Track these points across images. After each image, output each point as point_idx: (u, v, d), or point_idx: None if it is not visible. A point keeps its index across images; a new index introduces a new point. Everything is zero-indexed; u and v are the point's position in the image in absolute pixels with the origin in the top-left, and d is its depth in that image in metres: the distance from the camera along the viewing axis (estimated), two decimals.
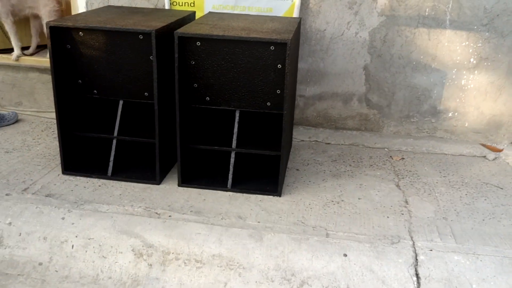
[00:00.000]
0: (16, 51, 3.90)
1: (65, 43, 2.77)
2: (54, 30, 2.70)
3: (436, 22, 3.35)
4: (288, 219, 2.61)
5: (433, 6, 3.32)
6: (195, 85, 2.79)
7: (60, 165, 3.03)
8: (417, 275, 2.29)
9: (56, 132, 3.59)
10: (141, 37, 2.68)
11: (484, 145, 3.59)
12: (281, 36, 2.61)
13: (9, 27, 3.86)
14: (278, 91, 2.74)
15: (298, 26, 2.99)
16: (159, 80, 2.74)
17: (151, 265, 2.36)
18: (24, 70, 3.87)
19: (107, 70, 2.83)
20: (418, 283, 2.26)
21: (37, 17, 4.01)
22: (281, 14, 3.44)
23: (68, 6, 4.36)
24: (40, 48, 4.29)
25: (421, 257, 2.36)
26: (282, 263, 2.33)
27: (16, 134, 3.52)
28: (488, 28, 3.34)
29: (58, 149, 3.28)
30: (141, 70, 2.79)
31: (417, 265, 2.33)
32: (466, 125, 3.60)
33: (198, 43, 2.65)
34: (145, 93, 2.87)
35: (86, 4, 3.61)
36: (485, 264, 2.34)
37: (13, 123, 3.67)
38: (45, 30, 3.96)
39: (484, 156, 3.49)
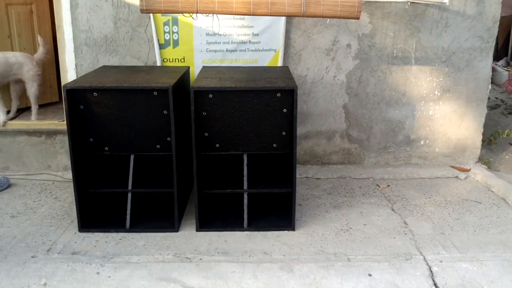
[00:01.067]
0: (2, 117, 3.91)
1: (78, 104, 2.89)
2: (70, 92, 2.82)
3: (403, 61, 3.79)
4: (309, 250, 2.82)
5: (399, 48, 3.76)
6: (206, 134, 2.99)
7: (73, 223, 3.10)
8: (435, 284, 2.56)
9: (54, 193, 3.62)
10: (156, 93, 2.86)
11: (454, 167, 4.01)
12: (286, 84, 2.89)
13: None
14: (284, 133, 2.99)
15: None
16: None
17: None
18: (12, 134, 3.88)
19: (119, 127, 2.97)
20: None
21: (19, 81, 4.06)
22: (265, 64, 3.74)
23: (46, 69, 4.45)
24: (19, 111, 4.31)
25: (434, 269, 2.65)
26: None
27: (14, 198, 3.50)
28: (447, 64, 3.82)
29: (64, 208, 3.35)
30: (154, 125, 2.96)
31: (433, 276, 2.61)
32: (437, 150, 4.02)
33: (211, 96, 2.87)
34: (157, 146, 3.03)
35: (76, 66, 3.73)
36: (490, 268, 2.66)
37: (5, 188, 3.65)
38: (30, 92, 4.05)
39: (456, 177, 3.90)
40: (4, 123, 3.88)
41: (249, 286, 2.52)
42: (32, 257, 2.72)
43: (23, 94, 4.21)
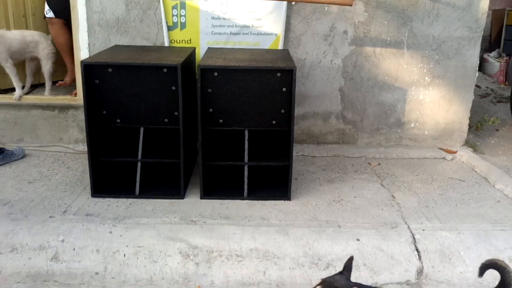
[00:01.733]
0: (18, 91, 4.14)
1: (94, 79, 3.13)
2: (87, 67, 3.06)
3: (396, 48, 4.03)
4: (303, 217, 3.09)
5: (393, 35, 4.00)
6: (211, 110, 3.23)
7: (85, 190, 3.36)
8: (417, 249, 2.83)
9: (66, 163, 3.87)
10: (165, 70, 3.10)
11: (441, 149, 4.27)
12: (286, 64, 3.14)
13: (9, 70, 4.11)
14: (283, 111, 3.24)
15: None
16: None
17: (197, 263, 2.73)
18: (27, 108, 4.12)
19: (130, 101, 3.21)
20: (419, 255, 2.80)
21: (34, 59, 4.29)
22: (267, 47, 3.98)
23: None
24: (32, 87, 4.55)
25: (417, 236, 2.91)
26: (309, 251, 2.79)
27: (29, 167, 3.75)
28: (437, 52, 4.06)
29: (76, 177, 3.60)
30: (163, 100, 3.20)
31: (415, 242, 2.87)
32: (426, 133, 4.28)
33: (216, 74, 3.11)
34: (165, 120, 3.27)
35: (89, 45, 3.96)
36: (467, 236, 2.93)
37: (21, 158, 3.89)
38: (44, 69, 4.30)
39: (444, 158, 4.17)
40: (20, 98, 4.11)
41: (248, 246, 2.78)
42: (50, 217, 2.98)
43: (37, 71, 4.45)
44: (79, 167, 3.78)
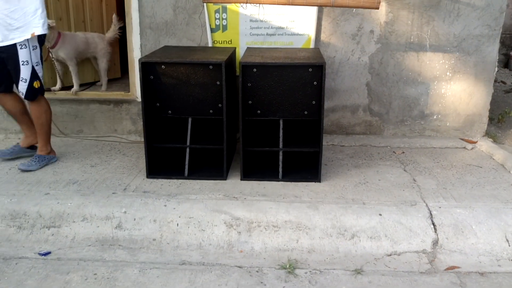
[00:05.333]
0: (76, 87, 4.69)
1: (149, 75, 3.61)
2: (144, 65, 3.54)
3: (419, 46, 4.38)
4: (332, 196, 3.49)
5: (416, 34, 4.35)
6: (250, 102, 3.67)
7: (140, 172, 3.84)
8: (433, 223, 3.19)
9: (121, 151, 4.37)
10: (211, 67, 3.56)
11: (462, 139, 4.59)
12: (317, 60, 3.55)
13: (72, 68, 4.66)
14: (314, 102, 3.65)
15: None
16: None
17: (240, 232, 3.17)
18: (86, 103, 4.66)
19: (180, 94, 3.68)
20: (435, 228, 3.16)
21: (94, 58, 4.85)
22: (300, 46, 4.40)
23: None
24: (88, 84, 5.10)
25: (434, 212, 3.27)
26: (336, 223, 3.19)
27: (90, 154, 4.27)
28: (458, 49, 4.39)
29: (132, 162, 4.09)
30: (208, 93, 3.65)
31: (432, 217, 3.23)
32: (448, 124, 4.60)
33: (255, 69, 3.55)
34: (210, 111, 3.72)
35: (141, 46, 4.46)
36: (479, 213, 3.26)
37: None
38: (101, 67, 4.83)
39: (464, 147, 4.48)
40: (76, 92, 4.65)
41: (283, 218, 3.20)
42: (113, 193, 3.47)
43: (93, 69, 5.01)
44: (133, 154, 4.28)
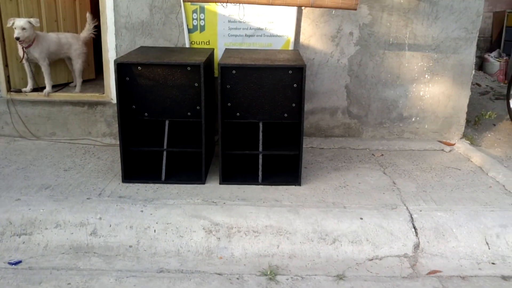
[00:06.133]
0: (48, 88, 4.54)
1: (125, 76, 3.50)
2: (119, 66, 3.44)
3: (398, 48, 4.38)
4: (312, 199, 3.44)
5: (395, 36, 4.35)
6: (229, 104, 3.60)
7: (116, 176, 3.73)
8: (414, 227, 3.17)
9: (96, 154, 4.25)
10: (189, 69, 3.47)
11: (440, 141, 4.60)
12: (297, 63, 3.50)
13: (44, 68, 4.51)
14: (293, 105, 3.60)
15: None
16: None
17: (219, 238, 3.10)
18: (59, 104, 4.51)
19: (157, 96, 3.58)
20: (416, 231, 3.14)
21: (68, 58, 4.70)
22: (279, 48, 4.34)
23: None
24: (62, 86, 4.95)
25: (414, 215, 3.25)
26: (317, 228, 3.14)
27: (63, 157, 4.13)
28: (436, 51, 4.40)
29: (107, 165, 3.98)
30: (186, 95, 3.57)
31: (413, 220, 3.22)
32: (426, 126, 4.61)
33: (234, 71, 3.48)
34: (188, 113, 3.64)
35: (116, 46, 4.34)
36: (459, 216, 3.26)
37: None
38: (75, 68, 4.70)
39: (442, 150, 4.50)
40: (48, 94, 4.50)
41: (264, 223, 3.14)
42: (87, 198, 3.36)
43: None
44: (108, 157, 4.16)
